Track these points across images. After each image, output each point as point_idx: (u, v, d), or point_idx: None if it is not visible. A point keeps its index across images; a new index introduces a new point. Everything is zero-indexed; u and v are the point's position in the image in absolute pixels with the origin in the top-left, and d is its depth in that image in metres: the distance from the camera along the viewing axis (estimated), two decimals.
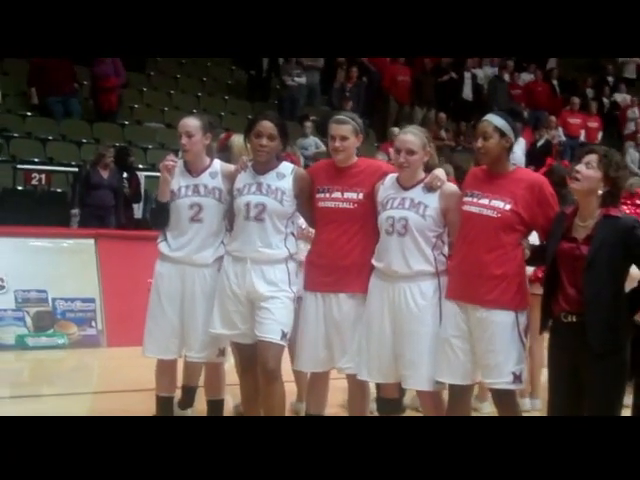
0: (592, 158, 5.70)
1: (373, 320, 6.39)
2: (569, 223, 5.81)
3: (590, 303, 5.63)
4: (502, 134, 6.06)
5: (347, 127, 6.51)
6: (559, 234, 5.84)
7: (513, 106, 19.52)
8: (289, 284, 6.58)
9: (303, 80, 19.90)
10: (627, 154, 20.47)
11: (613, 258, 5.63)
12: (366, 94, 20.36)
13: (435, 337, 6.24)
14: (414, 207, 6.29)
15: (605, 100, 23.95)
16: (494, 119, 6.14)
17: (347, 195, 6.49)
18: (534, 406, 8.31)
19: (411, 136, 6.35)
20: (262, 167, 6.60)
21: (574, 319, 5.72)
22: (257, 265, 6.56)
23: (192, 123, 6.79)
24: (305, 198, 6.63)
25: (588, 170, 5.67)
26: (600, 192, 5.67)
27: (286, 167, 6.65)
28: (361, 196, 6.47)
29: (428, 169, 6.37)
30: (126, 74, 18.04)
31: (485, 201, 6.06)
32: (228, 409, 7.42)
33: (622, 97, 24.17)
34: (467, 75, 21.79)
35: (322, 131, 13.44)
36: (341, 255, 6.47)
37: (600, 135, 22.20)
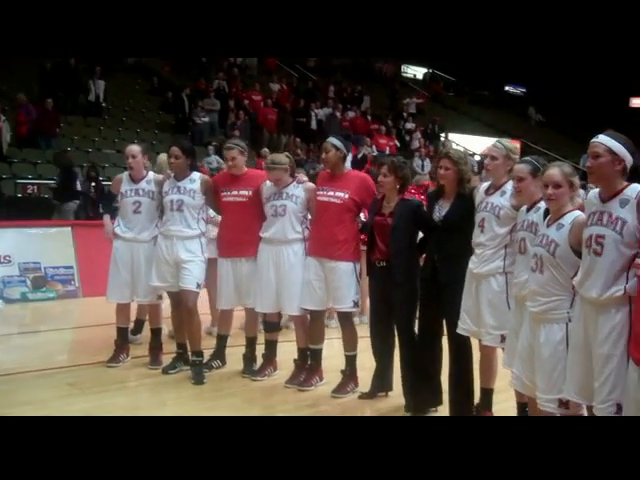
0: (384, 168, 5.86)
1: (262, 271, 6.45)
2: (380, 204, 5.94)
3: (394, 253, 5.76)
4: (337, 149, 6.17)
5: (234, 150, 6.57)
6: (374, 211, 5.97)
7: (345, 133, 19.51)
8: (201, 252, 6.64)
9: (207, 119, 19.71)
10: (413, 161, 20.77)
11: (407, 225, 5.76)
12: (249, 127, 20.28)
13: (302, 280, 6.31)
14: (288, 198, 6.38)
15: (400, 127, 24.25)
16: (334, 141, 6.24)
17: (242, 192, 6.55)
18: (362, 320, 8.36)
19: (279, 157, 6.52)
20: (179, 175, 6.62)
21: (384, 264, 5.84)
22: (180, 240, 6.58)
23: (135, 148, 6.86)
24: (210, 195, 6.66)
25: (383, 178, 5.82)
26: (398, 187, 5.82)
27: (196, 175, 6.70)
28: (250, 193, 6.52)
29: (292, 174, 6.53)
30: (88, 118, 18.04)
31: (332, 192, 6.15)
32: (164, 334, 7.32)
33: (411, 125, 24.51)
34: (313, 114, 21.80)
35: (220, 152, 13.38)
36: (241, 232, 6.51)
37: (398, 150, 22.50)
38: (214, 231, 7.06)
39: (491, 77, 31.12)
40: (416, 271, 5.78)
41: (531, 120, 32.06)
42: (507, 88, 35.75)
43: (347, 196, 6.13)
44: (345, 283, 6.17)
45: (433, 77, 32.97)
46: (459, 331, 5.30)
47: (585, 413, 4.07)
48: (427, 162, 20.98)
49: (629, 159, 3.81)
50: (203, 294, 7.14)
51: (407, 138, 23.78)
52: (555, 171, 4.19)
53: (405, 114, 25.27)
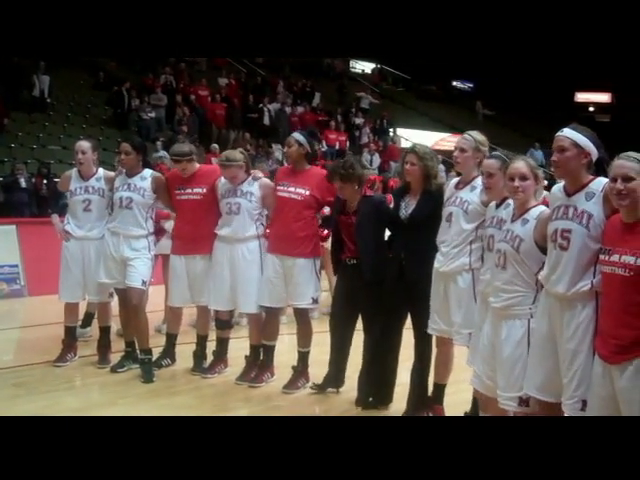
0: (337, 182, 5.83)
1: (217, 268, 6.41)
2: (343, 203, 5.94)
3: (362, 251, 5.75)
4: (300, 144, 6.14)
5: (182, 163, 6.51)
6: (338, 210, 5.96)
7: (310, 128, 19.35)
8: (149, 250, 6.58)
9: (154, 115, 19.48)
10: (363, 156, 20.86)
11: (371, 222, 5.74)
12: (197, 123, 20.14)
13: (259, 278, 6.29)
14: (243, 195, 6.33)
15: (350, 122, 24.31)
16: (298, 137, 6.21)
17: (196, 190, 6.52)
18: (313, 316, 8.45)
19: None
20: (130, 172, 6.55)
21: (354, 262, 5.83)
22: (126, 238, 6.52)
23: (85, 144, 6.76)
24: (161, 193, 6.61)
25: (341, 191, 5.85)
26: (356, 187, 5.82)
27: (147, 172, 6.64)
28: (205, 190, 6.49)
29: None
30: (33, 114, 17.70)
31: (292, 189, 6.12)
32: (113, 332, 7.22)
33: (360, 120, 24.57)
34: (266, 109, 21.71)
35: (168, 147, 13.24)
36: (196, 230, 6.48)
37: (348, 145, 22.56)
38: (170, 227, 7.06)
39: (439, 72, 31.35)
40: (385, 268, 5.69)
41: (478, 115, 32.36)
42: (455, 83, 36.06)
43: (308, 192, 6.10)
44: (304, 280, 6.16)
45: (382, 72, 33.12)
46: (430, 331, 5.27)
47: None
48: (376, 157, 21.10)
49: (594, 152, 3.80)
50: (161, 291, 7.11)
51: (356, 133, 23.83)
52: (521, 164, 4.15)
53: (354, 109, 25.32)
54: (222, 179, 6.44)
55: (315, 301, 6.27)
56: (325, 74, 28.94)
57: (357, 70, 32.94)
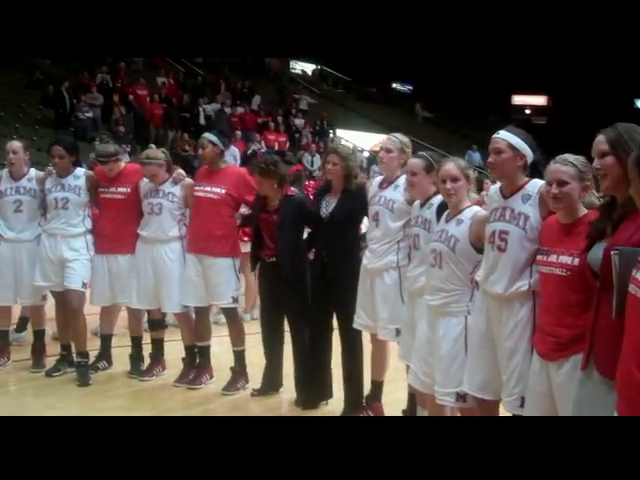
0: (256, 176, 5.91)
1: (140, 269, 6.37)
2: (264, 201, 5.97)
3: (282, 250, 5.79)
4: (214, 144, 6.16)
5: (109, 163, 6.43)
6: (259, 208, 5.99)
7: (220, 127, 19.22)
8: (87, 250, 6.48)
9: (90, 114, 19.24)
10: (303, 157, 20.96)
11: (293, 221, 5.81)
12: (134, 122, 19.95)
13: (181, 278, 6.27)
14: (165, 196, 6.31)
15: (290, 124, 24.33)
16: (210, 137, 6.23)
17: (120, 190, 6.45)
18: (252, 315, 8.45)
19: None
20: (63, 172, 6.46)
21: (273, 260, 5.87)
22: (64, 238, 6.42)
23: (17, 144, 6.63)
24: (94, 191, 6.53)
25: (260, 185, 5.91)
26: (275, 185, 5.86)
27: (80, 171, 6.57)
28: (129, 190, 6.44)
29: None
30: None
31: (208, 188, 6.15)
32: (48, 336, 7.10)
33: (299, 122, 24.63)
34: (201, 109, 21.62)
35: None
36: (117, 229, 6.41)
37: (287, 145, 22.59)
38: None
39: (379, 74, 31.60)
40: (305, 267, 5.85)
41: (418, 117, 32.73)
42: (394, 85, 36.38)
43: (224, 191, 6.13)
44: (224, 279, 6.18)
45: (322, 73, 33.24)
46: (355, 326, 5.37)
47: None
48: (317, 158, 21.16)
49: (530, 155, 3.85)
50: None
51: (297, 135, 23.88)
52: (451, 165, 4.22)
53: (294, 110, 25.37)
54: (145, 179, 6.42)
55: (235, 300, 6.32)
56: (265, 75, 28.94)
57: (297, 71, 33.01)
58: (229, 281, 6.20)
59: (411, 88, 36.71)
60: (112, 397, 6.15)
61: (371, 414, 5.49)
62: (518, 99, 36.57)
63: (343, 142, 22.67)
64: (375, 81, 33.23)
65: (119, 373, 6.75)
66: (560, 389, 3.39)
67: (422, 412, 4.89)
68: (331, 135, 25.08)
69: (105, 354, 6.85)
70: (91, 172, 6.74)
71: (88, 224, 6.54)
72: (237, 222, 6.34)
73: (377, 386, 5.55)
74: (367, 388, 5.63)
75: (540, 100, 36.46)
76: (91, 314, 7.03)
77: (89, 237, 6.53)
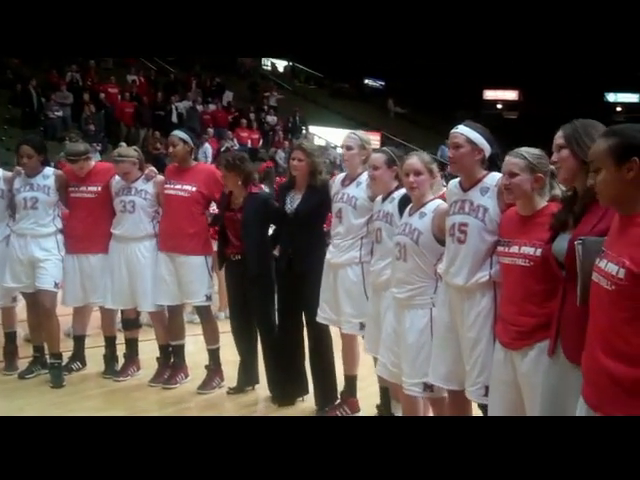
0: (221, 169, 5.98)
1: (114, 269, 6.34)
2: (229, 199, 5.99)
3: (247, 248, 5.84)
4: (184, 142, 6.17)
5: (80, 162, 6.37)
6: (224, 206, 6.00)
7: (190, 124, 19.09)
8: (58, 250, 6.41)
9: (60, 113, 19.10)
10: (276, 154, 20.93)
11: (257, 219, 5.82)
12: (104, 121, 19.81)
13: (154, 276, 6.25)
14: (137, 193, 6.27)
15: (262, 120, 24.29)
16: (180, 134, 6.24)
17: (90, 188, 6.41)
18: (227, 314, 8.38)
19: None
20: (31, 172, 6.39)
21: (239, 257, 5.89)
22: (34, 238, 6.35)
23: None
24: (63, 190, 6.48)
25: (224, 179, 5.95)
26: (240, 182, 5.88)
27: (49, 170, 6.51)
28: (99, 189, 6.40)
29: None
30: None
31: (179, 186, 6.16)
32: (20, 338, 7.05)
33: (272, 119, 24.61)
34: (173, 107, 21.50)
35: None
36: (89, 229, 6.37)
37: (261, 142, 22.56)
38: None
39: (351, 70, 31.62)
40: (270, 263, 5.89)
41: (390, 112, 32.80)
42: (367, 81, 36.43)
43: (194, 189, 6.12)
44: (197, 277, 6.17)
45: (294, 70, 33.20)
46: (319, 320, 5.42)
47: (445, 394, 4.20)
48: None
49: (487, 148, 3.94)
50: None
51: (270, 132, 23.84)
52: (414, 159, 4.29)
53: (266, 107, 25.32)
54: (117, 177, 6.38)
55: (209, 298, 6.33)
56: (237, 72, 28.85)
57: (268, 68, 32.93)
58: (202, 279, 6.19)
59: (383, 84, 36.76)
60: (86, 398, 6.12)
61: (347, 409, 5.51)
62: (490, 94, 36.79)
63: (316, 139, 22.80)
64: (347, 77, 33.24)
65: (93, 374, 6.71)
66: (525, 377, 3.44)
67: (396, 406, 4.94)
68: (304, 132, 25.05)
69: (79, 355, 6.80)
70: (60, 171, 6.67)
71: (58, 224, 6.46)
72: (208, 220, 6.32)
73: (350, 380, 5.57)
74: (342, 384, 5.63)
75: (512, 95, 36.73)
76: (63, 315, 6.98)
77: (60, 237, 6.45)
